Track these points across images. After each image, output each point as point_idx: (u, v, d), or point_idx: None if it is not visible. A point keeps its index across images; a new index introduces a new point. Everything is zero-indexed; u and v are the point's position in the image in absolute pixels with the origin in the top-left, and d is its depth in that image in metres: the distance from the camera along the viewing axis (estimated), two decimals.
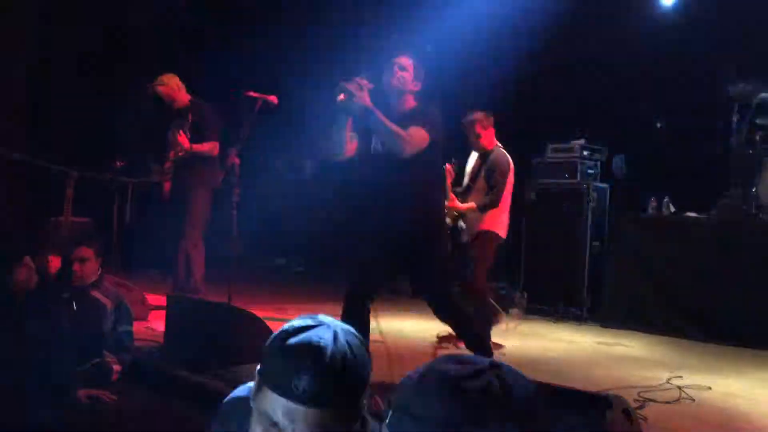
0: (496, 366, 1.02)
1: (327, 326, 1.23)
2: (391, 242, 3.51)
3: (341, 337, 1.22)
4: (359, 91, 3.28)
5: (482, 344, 3.74)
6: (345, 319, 3.49)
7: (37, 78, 7.03)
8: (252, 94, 4.69)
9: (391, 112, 3.52)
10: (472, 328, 3.73)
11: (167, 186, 5.36)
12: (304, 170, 9.42)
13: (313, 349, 1.18)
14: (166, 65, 5.89)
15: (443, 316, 3.73)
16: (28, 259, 3.02)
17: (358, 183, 3.82)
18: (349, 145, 3.54)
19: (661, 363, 4.57)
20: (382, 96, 3.60)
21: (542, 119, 7.32)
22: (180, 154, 5.20)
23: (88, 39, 7.01)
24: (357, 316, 3.47)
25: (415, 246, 3.50)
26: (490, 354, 3.72)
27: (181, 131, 5.23)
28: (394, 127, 3.36)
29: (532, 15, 7.04)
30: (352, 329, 1.28)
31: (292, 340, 1.20)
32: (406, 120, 3.46)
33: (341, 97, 3.29)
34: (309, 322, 1.24)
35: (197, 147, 5.28)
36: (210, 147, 5.34)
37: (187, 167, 5.30)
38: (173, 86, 5.41)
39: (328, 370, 1.17)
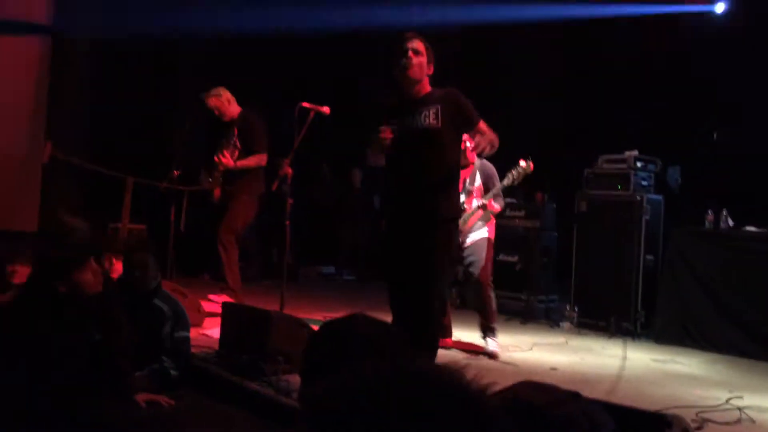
0: (577, 396, 1.02)
1: None
2: (414, 230, 3.44)
3: None
4: None
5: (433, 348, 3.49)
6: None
7: (98, 86, 7.25)
8: (306, 105, 4.76)
9: (409, 100, 3.51)
10: (431, 330, 3.47)
11: (217, 193, 5.56)
12: (353, 178, 9.48)
13: None
14: (219, 75, 6.03)
15: (417, 306, 3.43)
16: (92, 260, 3.08)
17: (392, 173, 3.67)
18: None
19: (720, 382, 4.44)
20: (394, 83, 3.56)
21: (594, 131, 7.23)
22: (222, 169, 5.42)
23: (146, 48, 7.21)
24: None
25: (430, 232, 3.41)
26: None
27: (225, 151, 5.42)
28: (488, 144, 3.42)
29: (587, 22, 6.98)
30: None
31: None
32: (430, 104, 3.46)
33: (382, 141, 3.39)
34: None
35: (242, 163, 5.52)
36: (256, 161, 5.57)
37: (234, 176, 5.53)
38: (224, 99, 5.62)
39: None
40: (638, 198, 6.25)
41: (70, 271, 3.00)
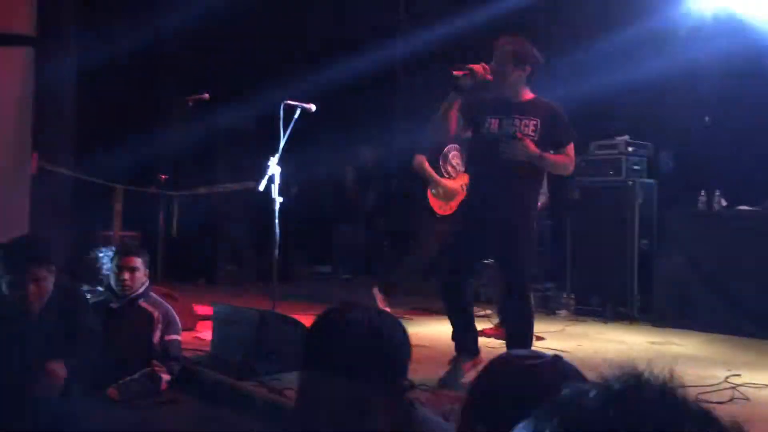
0: (558, 359, 1.05)
1: None
2: (490, 224, 3.57)
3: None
4: (519, 138, 3.45)
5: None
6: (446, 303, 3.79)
7: (84, 94, 7.22)
8: (290, 102, 4.74)
9: (507, 104, 3.58)
10: (525, 332, 3.63)
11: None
12: (345, 177, 9.45)
13: None
14: (204, 78, 6.00)
15: (511, 305, 3.74)
16: (37, 272, 2.91)
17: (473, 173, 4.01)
18: (453, 126, 3.64)
19: (718, 362, 4.42)
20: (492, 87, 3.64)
21: (585, 117, 7.19)
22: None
23: (129, 54, 7.18)
24: (455, 298, 3.71)
25: (511, 229, 3.55)
26: None
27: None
28: (560, 159, 3.57)
29: (572, 9, 6.96)
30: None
31: None
32: (529, 115, 3.54)
33: (459, 72, 3.43)
34: None
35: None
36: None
37: None
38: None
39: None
40: (630, 183, 6.24)
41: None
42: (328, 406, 1.26)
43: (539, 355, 1.07)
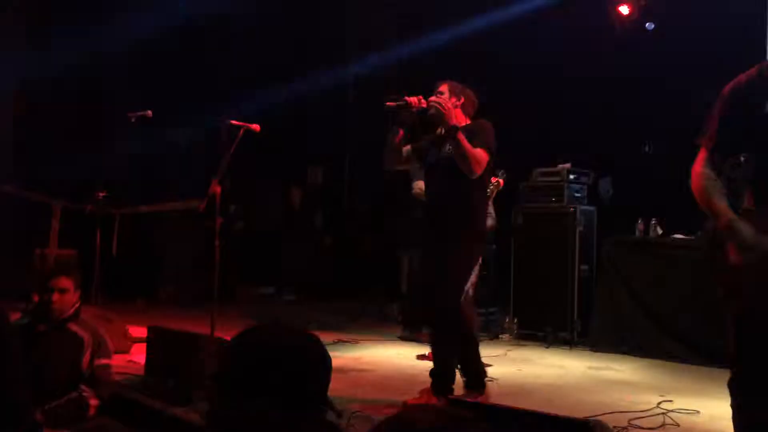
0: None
1: None
2: (433, 251, 3.81)
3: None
4: (436, 106, 3.64)
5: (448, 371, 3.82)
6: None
7: (23, 109, 7.04)
8: (234, 122, 4.68)
9: (443, 134, 3.81)
10: (449, 351, 3.80)
11: None
12: (292, 197, 9.40)
13: None
14: (146, 95, 5.90)
15: (435, 326, 3.87)
16: None
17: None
18: (403, 155, 3.91)
19: (652, 387, 4.52)
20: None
21: (528, 144, 7.35)
22: None
23: (70, 70, 7.03)
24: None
25: (446, 250, 3.70)
26: (450, 382, 3.78)
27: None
28: (469, 147, 3.62)
29: (519, 40, 7.12)
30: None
31: None
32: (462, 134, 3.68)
33: (391, 104, 3.64)
34: None
35: None
36: None
37: None
38: None
39: None
40: (572, 209, 6.37)
41: None
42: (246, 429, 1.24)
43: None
